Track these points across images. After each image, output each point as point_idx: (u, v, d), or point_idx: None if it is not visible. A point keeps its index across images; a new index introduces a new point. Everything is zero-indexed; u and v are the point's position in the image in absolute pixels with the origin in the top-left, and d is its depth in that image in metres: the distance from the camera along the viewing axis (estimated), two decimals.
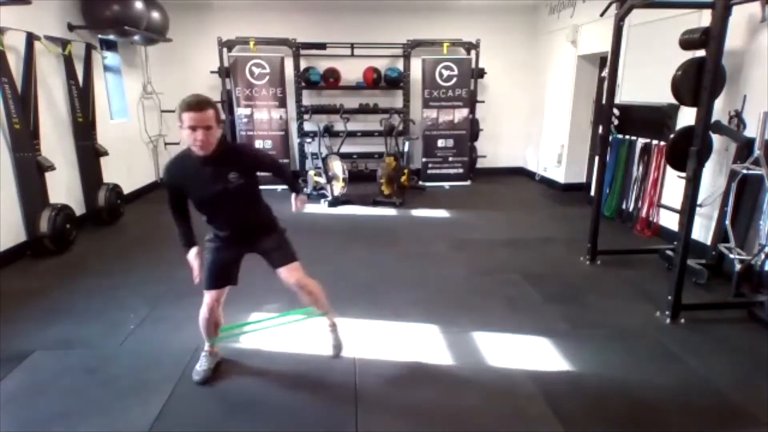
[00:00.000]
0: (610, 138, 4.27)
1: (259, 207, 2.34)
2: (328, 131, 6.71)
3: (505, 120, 7.92)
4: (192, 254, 2.28)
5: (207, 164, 2.10)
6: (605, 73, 4.33)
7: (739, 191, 3.50)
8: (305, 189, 6.65)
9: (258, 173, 2.27)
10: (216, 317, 2.40)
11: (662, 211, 4.60)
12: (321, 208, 5.96)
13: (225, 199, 2.16)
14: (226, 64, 6.68)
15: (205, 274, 2.31)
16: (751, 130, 3.44)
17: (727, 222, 3.50)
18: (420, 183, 7.22)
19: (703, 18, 3.71)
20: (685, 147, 2.98)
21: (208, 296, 2.33)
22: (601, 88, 5.97)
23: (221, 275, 2.33)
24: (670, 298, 3.07)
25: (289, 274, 2.33)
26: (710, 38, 2.81)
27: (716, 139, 3.66)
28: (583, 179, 6.70)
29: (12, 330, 2.90)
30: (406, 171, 6.68)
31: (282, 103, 6.88)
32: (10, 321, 3.01)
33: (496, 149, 7.95)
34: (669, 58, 3.53)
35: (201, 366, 2.46)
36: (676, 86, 3.23)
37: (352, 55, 7.09)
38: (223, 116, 6.72)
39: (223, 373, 2.50)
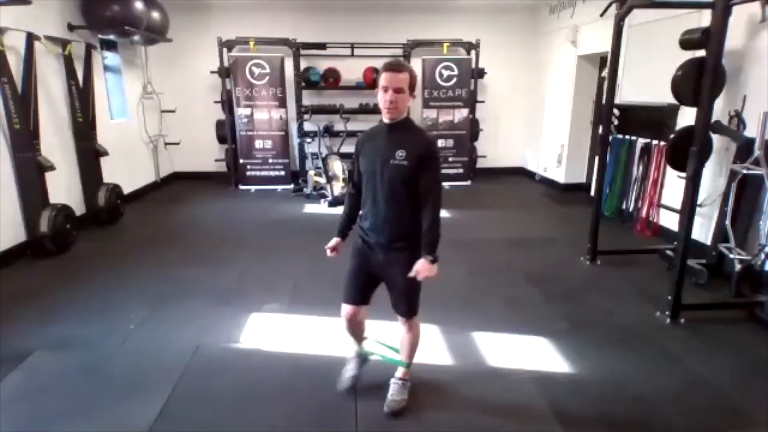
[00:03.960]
0: (610, 138, 4.27)
1: (407, 212, 2.07)
2: (328, 131, 6.70)
3: (505, 120, 7.92)
4: (333, 241, 2.23)
5: (387, 133, 2.02)
6: (605, 73, 4.33)
7: (739, 191, 3.50)
8: (305, 189, 6.65)
9: (419, 171, 2.00)
10: (355, 329, 2.31)
11: (662, 211, 4.60)
12: (321, 208, 5.95)
13: (382, 175, 2.00)
14: (226, 64, 6.67)
15: (344, 281, 2.22)
16: (751, 130, 3.44)
17: (727, 222, 3.50)
18: None
19: (703, 18, 3.71)
20: (685, 147, 2.98)
21: (342, 309, 2.22)
22: (601, 88, 5.96)
23: (352, 289, 2.19)
24: (670, 298, 3.08)
25: (404, 322, 2.22)
26: (710, 38, 2.81)
27: (716, 139, 3.66)
28: (583, 179, 6.69)
29: (12, 330, 2.90)
30: None
31: (282, 103, 6.87)
32: (10, 321, 3.00)
33: (496, 149, 7.95)
34: (669, 58, 3.53)
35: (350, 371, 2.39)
36: (676, 86, 3.23)
37: (352, 55, 7.09)
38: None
39: (223, 373, 2.51)
